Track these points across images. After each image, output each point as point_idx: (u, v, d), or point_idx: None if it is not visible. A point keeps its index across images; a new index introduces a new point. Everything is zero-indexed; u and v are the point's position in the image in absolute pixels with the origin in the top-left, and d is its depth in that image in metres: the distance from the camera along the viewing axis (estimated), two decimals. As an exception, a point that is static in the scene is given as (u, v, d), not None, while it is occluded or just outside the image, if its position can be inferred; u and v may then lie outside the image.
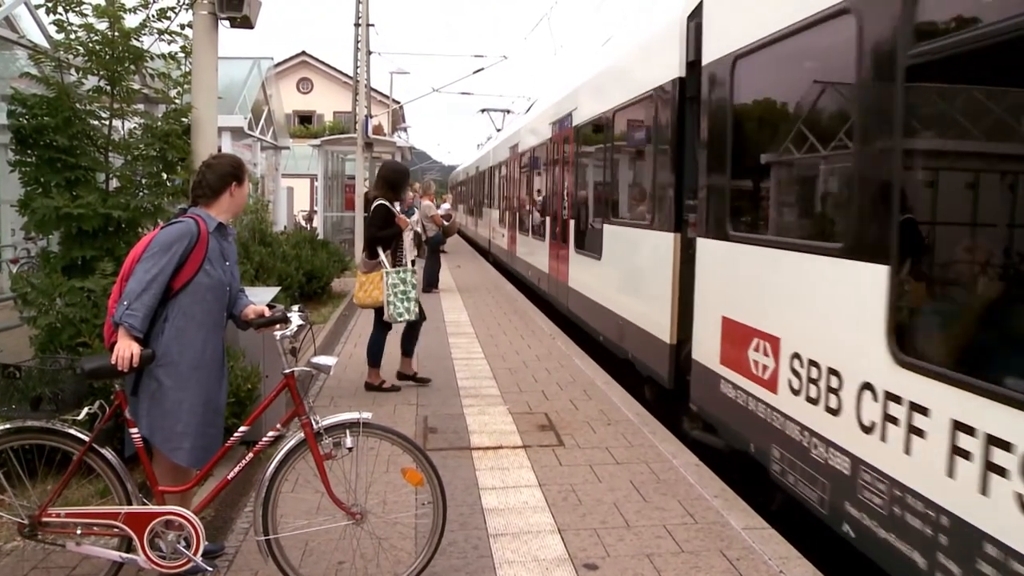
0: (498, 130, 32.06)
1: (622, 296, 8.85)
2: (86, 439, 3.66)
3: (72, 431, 3.68)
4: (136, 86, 6.46)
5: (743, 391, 5.35)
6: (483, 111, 36.05)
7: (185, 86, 6.29)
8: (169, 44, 6.35)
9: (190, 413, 3.81)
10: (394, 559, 4.18)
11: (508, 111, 35.05)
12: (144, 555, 3.66)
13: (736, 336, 5.46)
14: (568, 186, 11.96)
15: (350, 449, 3.80)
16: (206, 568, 3.75)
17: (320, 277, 13.41)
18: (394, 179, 7.85)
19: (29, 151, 5.59)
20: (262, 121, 14.44)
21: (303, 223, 28.23)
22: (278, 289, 6.44)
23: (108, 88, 5.99)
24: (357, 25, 27.71)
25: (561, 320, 13.02)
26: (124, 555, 3.70)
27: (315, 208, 27.73)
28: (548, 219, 13.72)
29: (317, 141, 24.23)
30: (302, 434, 3.79)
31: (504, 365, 9.07)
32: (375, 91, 39.78)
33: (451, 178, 52.00)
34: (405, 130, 49.93)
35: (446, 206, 20.83)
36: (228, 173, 3.95)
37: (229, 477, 3.83)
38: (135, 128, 6.23)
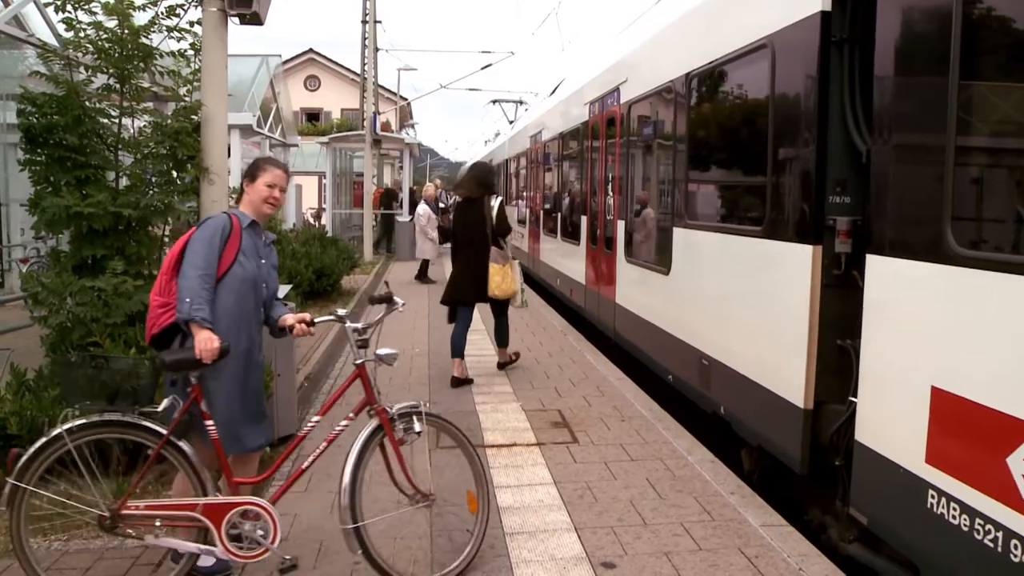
0: (511, 122, 31.82)
1: (709, 327, 7.12)
2: (163, 432, 3.89)
3: (151, 424, 3.91)
4: (146, 84, 6.40)
5: (996, 525, 3.56)
6: (494, 102, 36.07)
7: (195, 83, 6.34)
8: (178, 41, 6.53)
9: (225, 402, 4.11)
10: (459, 543, 4.54)
11: (521, 102, 34.75)
12: (222, 545, 3.90)
13: (973, 425, 3.71)
14: (614, 178, 10.55)
15: (419, 433, 4.19)
16: (284, 557, 3.98)
17: (330, 275, 13.61)
18: (489, 180, 8.97)
19: (39, 150, 5.92)
20: (271, 119, 14.59)
21: (311, 220, 28.21)
22: (289, 287, 6.40)
23: (117, 86, 6.08)
24: (364, 22, 27.69)
25: (571, 315, 12.61)
26: (202, 546, 3.94)
27: (323, 205, 27.75)
28: (585, 219, 12.58)
29: (325, 138, 24.45)
30: (377, 421, 4.15)
31: (517, 363, 8.95)
32: (382, 88, 39.95)
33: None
34: (413, 127, 49.87)
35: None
36: (245, 173, 4.37)
37: (303, 467, 4.14)
38: (145, 126, 6.23)
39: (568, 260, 13.65)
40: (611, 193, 10.77)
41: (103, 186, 6.14)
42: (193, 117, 6.47)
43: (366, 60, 28.39)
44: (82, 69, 6.38)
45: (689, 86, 7.64)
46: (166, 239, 6.70)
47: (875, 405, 4.54)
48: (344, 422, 4.20)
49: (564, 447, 6.40)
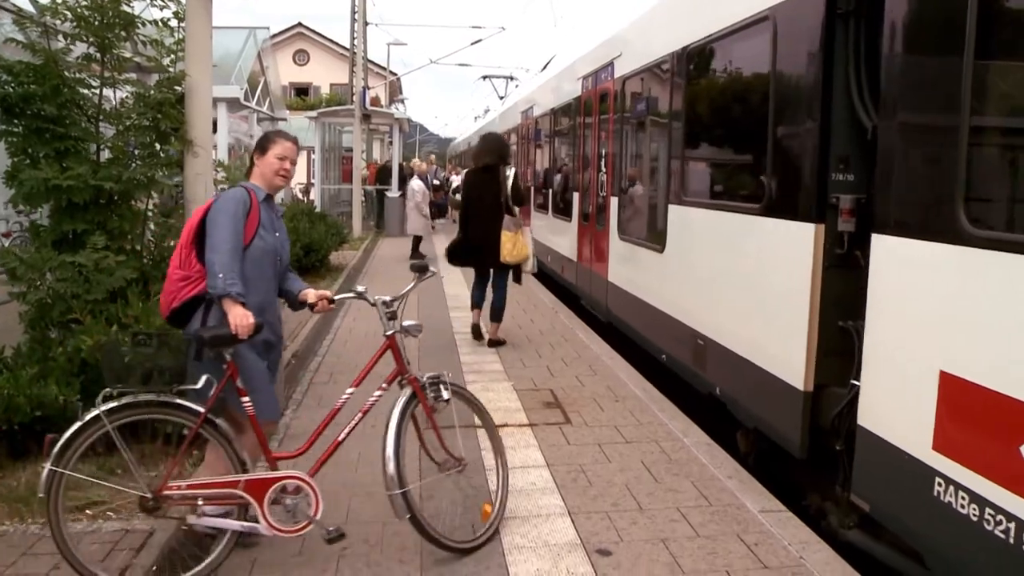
0: (501, 98, 31.60)
1: (704, 306, 7.01)
2: (201, 411, 3.83)
3: (189, 404, 3.85)
4: (128, 54, 6.17)
5: (1008, 515, 3.42)
6: (484, 78, 35.97)
7: (179, 54, 6.11)
8: (162, 10, 6.09)
9: (255, 375, 4.10)
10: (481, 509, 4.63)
11: (512, 77, 34.51)
12: (265, 521, 3.89)
13: (984, 412, 3.58)
14: (607, 154, 10.38)
15: (447, 401, 4.39)
16: (329, 528, 4.01)
17: (318, 250, 13.49)
18: (504, 150, 9.48)
19: (16, 120, 5.74)
20: (258, 92, 14.36)
21: (300, 195, 27.95)
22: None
23: (98, 55, 5.79)
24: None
25: (562, 293, 12.43)
26: (245, 524, 3.92)
27: (312, 181, 27.45)
28: (577, 195, 12.42)
29: (314, 113, 24.12)
30: (410, 390, 4.27)
31: (507, 340, 8.82)
32: (372, 63, 39.56)
33: (449, 149, 51.69)
34: (403, 102, 49.49)
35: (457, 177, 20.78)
36: (255, 146, 4.37)
37: (340, 439, 4.18)
38: (127, 97, 5.97)
39: (559, 237, 13.47)
40: (604, 169, 10.58)
41: (83, 159, 5.92)
42: (177, 88, 6.26)
43: (355, 34, 28.01)
44: (61, 37, 6.16)
45: (686, 60, 7.45)
46: (150, 213, 6.52)
47: (879, 389, 4.39)
48: (377, 392, 4.23)
49: (557, 428, 6.27)
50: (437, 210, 18.61)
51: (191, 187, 6.22)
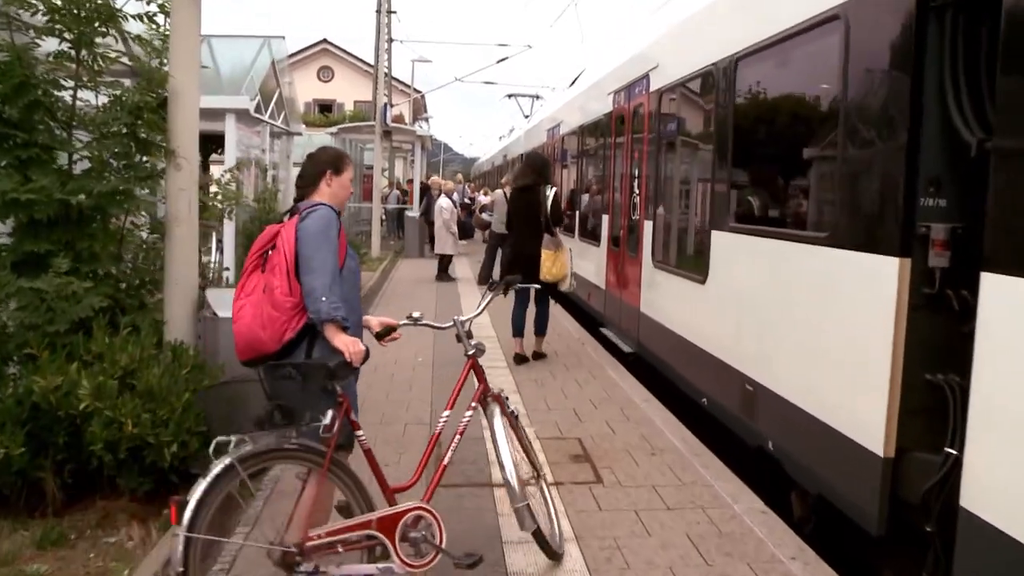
0: (526, 117, 30.91)
1: (754, 347, 6.12)
2: (325, 451, 3.50)
3: (314, 444, 3.50)
4: (112, 54, 5.44)
5: None
6: (510, 96, 35.21)
7: (168, 54, 5.27)
8: (148, 3, 5.32)
9: (355, 403, 3.93)
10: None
11: (537, 96, 33.84)
12: (398, 559, 3.66)
13: None
14: (641, 174, 9.57)
15: (517, 416, 4.47)
16: (468, 554, 3.81)
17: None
18: (545, 169, 9.54)
19: None
20: (272, 105, 13.53)
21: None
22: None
23: (73, 53, 4.99)
24: (379, 12, 26.64)
25: (586, 321, 11.61)
26: (380, 566, 3.68)
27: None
28: (607, 218, 11.57)
29: (334, 129, 23.38)
30: (498, 406, 4.29)
31: (530, 375, 8.34)
32: (396, 80, 39.07)
33: (474, 169, 51.06)
34: (427, 120, 48.96)
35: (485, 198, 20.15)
36: (324, 161, 4.06)
37: (445, 463, 4.06)
38: (108, 101, 5.22)
39: (586, 262, 12.52)
40: (637, 190, 9.70)
41: (50, 169, 5.18)
42: (158, 91, 5.52)
43: (379, 49, 27.42)
44: (32, 31, 5.44)
45: (734, 70, 6.64)
46: (126, 231, 5.78)
47: (993, 463, 3.50)
48: (468, 413, 4.17)
49: (587, 488, 5.39)
50: (462, 231, 18.02)
51: (173, 203, 5.47)
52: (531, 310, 9.40)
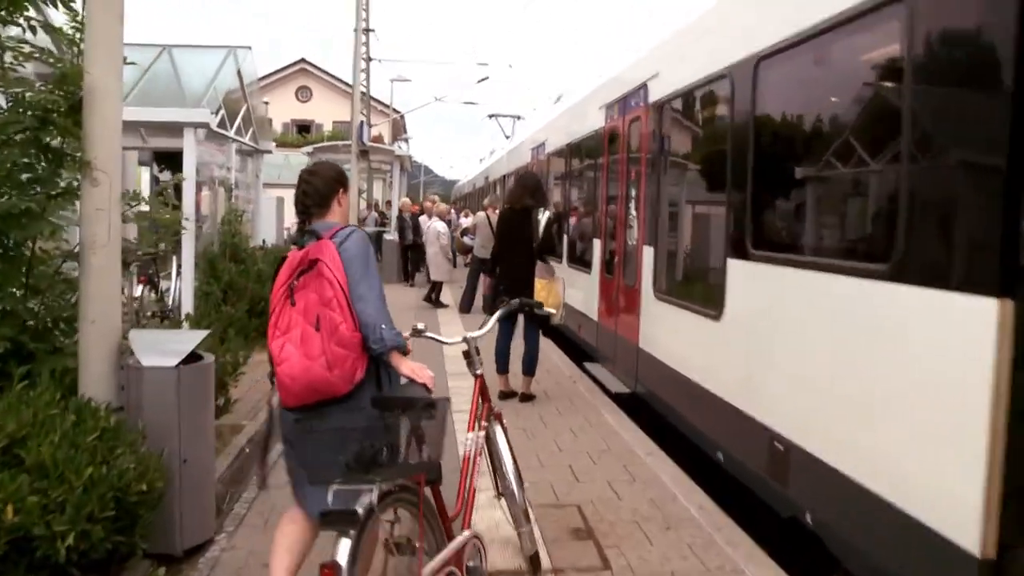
0: (507, 137, 30.08)
1: (786, 398, 5.17)
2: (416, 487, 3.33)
3: (410, 483, 3.27)
4: (27, 49, 4.47)
5: None
6: (491, 116, 34.30)
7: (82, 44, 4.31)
8: None
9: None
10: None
11: (519, 117, 33.12)
12: None
13: None
14: (639, 194, 8.68)
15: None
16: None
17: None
18: (539, 190, 8.72)
19: None
20: (239, 120, 12.54)
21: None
22: (205, 333, 4.43)
23: None
24: (356, 30, 25.78)
25: (576, 354, 10.66)
26: None
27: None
28: (599, 243, 10.68)
29: (309, 148, 22.40)
30: (499, 425, 4.34)
31: (518, 422, 7.35)
32: (375, 100, 38.17)
33: (454, 191, 50.13)
34: (406, 141, 48.11)
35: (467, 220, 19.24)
36: (333, 179, 3.82)
37: (475, 485, 3.98)
38: (8, 103, 4.26)
39: (576, 290, 11.50)
40: (634, 212, 8.77)
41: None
42: (70, 89, 4.53)
43: (358, 67, 26.54)
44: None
45: (755, 72, 5.75)
46: (35, 259, 4.78)
47: None
48: (482, 433, 4.13)
49: (592, 578, 4.45)
50: (463, 251, 17.47)
51: (89, 226, 4.46)
52: (516, 344, 8.52)
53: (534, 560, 4.35)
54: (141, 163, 17.93)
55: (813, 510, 4.74)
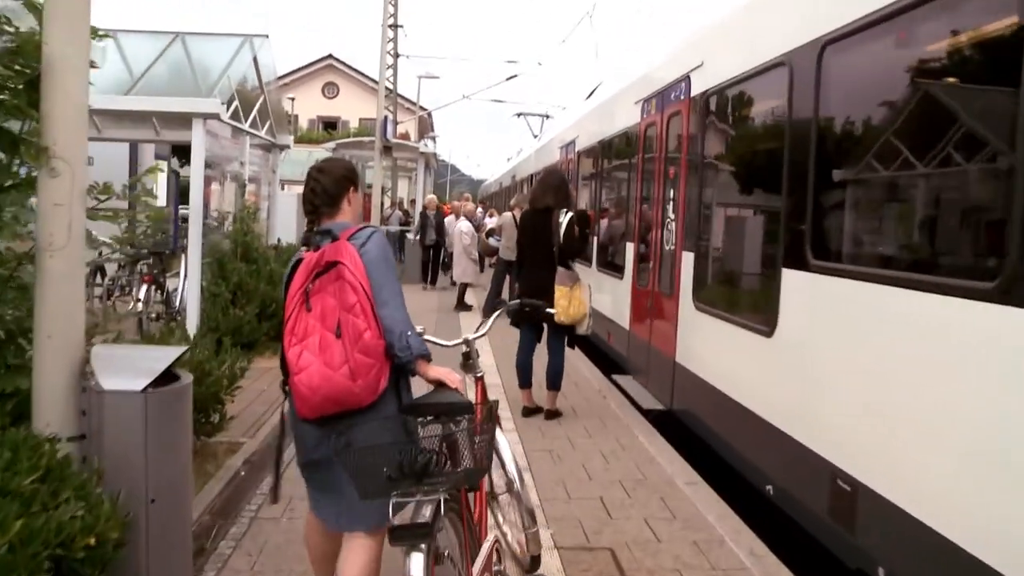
0: (535, 136, 29.44)
1: (854, 431, 4.49)
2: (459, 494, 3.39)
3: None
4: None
5: None
6: (519, 115, 33.72)
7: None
8: None
9: None
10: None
11: (547, 116, 32.50)
12: None
13: None
14: (678, 195, 7.92)
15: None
16: None
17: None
18: (564, 188, 8.00)
19: None
20: (254, 112, 11.90)
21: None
22: (181, 350, 3.77)
23: None
24: (389, 27, 25.17)
25: (608, 365, 9.97)
26: None
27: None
28: (631, 247, 9.92)
29: (332, 144, 21.79)
30: (496, 423, 3.81)
31: (543, 443, 6.75)
32: (402, 97, 37.55)
33: (481, 190, 49.54)
34: (433, 139, 47.53)
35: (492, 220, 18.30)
36: (343, 177, 3.63)
37: (487, 489, 4.00)
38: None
39: (606, 295, 10.76)
40: (672, 215, 8.00)
41: None
42: (26, 64, 3.89)
43: (384, 62, 25.93)
44: None
45: (821, 59, 5.03)
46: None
47: None
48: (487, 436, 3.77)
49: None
50: (488, 254, 16.67)
51: (46, 224, 3.81)
52: (539, 353, 7.89)
53: (535, 561, 4.29)
54: (158, 156, 17.50)
55: (889, 566, 4.03)
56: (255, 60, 11.70)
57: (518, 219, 15.04)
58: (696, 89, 7.39)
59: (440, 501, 2.92)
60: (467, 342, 4.03)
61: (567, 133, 16.02)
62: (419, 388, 3.41)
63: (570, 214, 7.82)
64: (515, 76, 33.61)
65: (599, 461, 6.54)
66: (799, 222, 5.20)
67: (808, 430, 4.97)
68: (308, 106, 47.73)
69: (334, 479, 3.34)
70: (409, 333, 3.31)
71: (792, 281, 5.29)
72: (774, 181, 5.63)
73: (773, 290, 5.52)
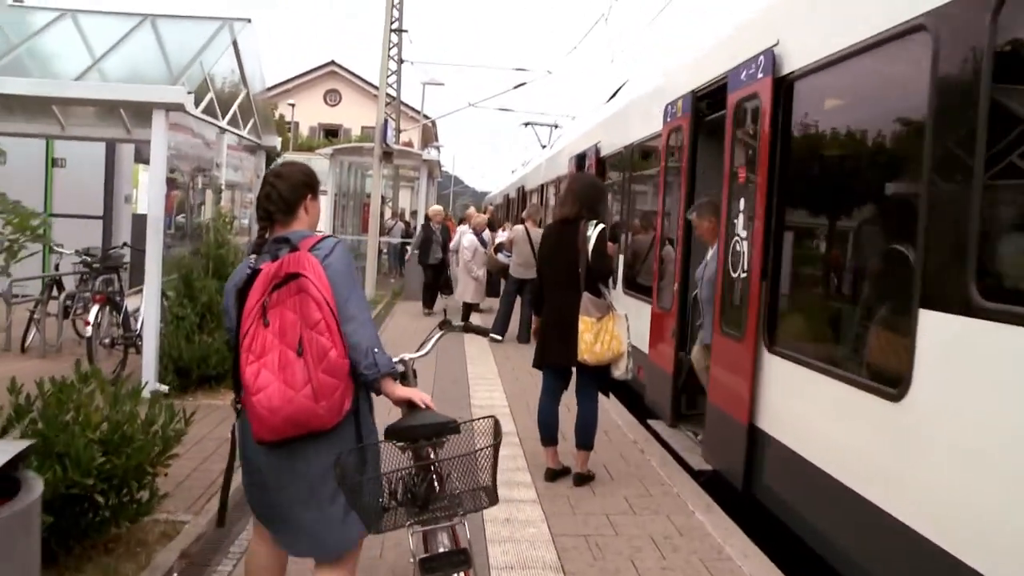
0: (544, 146, 27.97)
1: None
2: None
3: None
4: None
5: None
6: (527, 124, 32.45)
7: None
8: None
9: None
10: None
11: (556, 125, 31.21)
12: None
13: None
14: (751, 208, 5.90)
15: None
16: None
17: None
18: (595, 197, 6.52)
19: None
20: (235, 107, 10.37)
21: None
22: (24, 446, 2.16)
23: None
24: (393, 31, 23.69)
25: (633, 404, 8.41)
26: None
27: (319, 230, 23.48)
28: (672, 271, 8.07)
29: (328, 150, 20.25)
30: None
31: (574, 525, 5.68)
32: (405, 105, 36.15)
33: (485, 202, 48.12)
34: (437, 149, 46.16)
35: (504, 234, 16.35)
36: (301, 183, 3.47)
37: None
38: None
39: (640, 324, 8.48)
40: (742, 234, 6.13)
41: None
42: None
43: (386, 66, 24.44)
44: None
45: (1000, 10, 3.47)
46: None
47: None
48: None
49: None
50: (497, 272, 14.76)
51: None
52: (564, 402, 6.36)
53: None
54: (139, 159, 15.98)
55: None
56: (235, 46, 10.15)
57: (533, 233, 13.53)
58: (787, 67, 5.58)
59: (464, 524, 3.04)
60: (403, 361, 3.63)
61: (582, 141, 14.42)
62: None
63: (600, 226, 6.26)
64: (523, 84, 32.26)
65: (651, 554, 4.90)
66: (953, 245, 3.62)
67: (970, 544, 3.39)
68: (309, 113, 46.52)
69: (288, 503, 3.21)
70: (376, 350, 3.17)
71: (935, 326, 3.69)
72: (909, 188, 4.04)
73: (903, 337, 3.93)
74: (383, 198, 25.51)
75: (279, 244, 3.27)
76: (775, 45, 5.71)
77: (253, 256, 3.30)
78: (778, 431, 5.46)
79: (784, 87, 5.52)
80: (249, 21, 10.47)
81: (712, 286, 6.72)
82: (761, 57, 5.79)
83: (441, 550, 2.95)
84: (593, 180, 7.56)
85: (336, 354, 3.07)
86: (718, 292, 6.50)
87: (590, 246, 6.11)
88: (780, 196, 5.55)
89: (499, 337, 13.32)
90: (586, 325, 6.09)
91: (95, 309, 8.85)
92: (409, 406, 3.25)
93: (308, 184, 3.45)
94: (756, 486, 5.73)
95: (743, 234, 5.97)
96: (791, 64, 5.47)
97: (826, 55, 4.96)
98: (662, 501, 5.97)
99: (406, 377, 3.63)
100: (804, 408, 5.18)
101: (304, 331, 3.06)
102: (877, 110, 4.69)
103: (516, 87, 33.58)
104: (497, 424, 3.13)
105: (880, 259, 4.56)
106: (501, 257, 14.26)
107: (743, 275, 5.92)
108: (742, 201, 6.04)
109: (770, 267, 5.60)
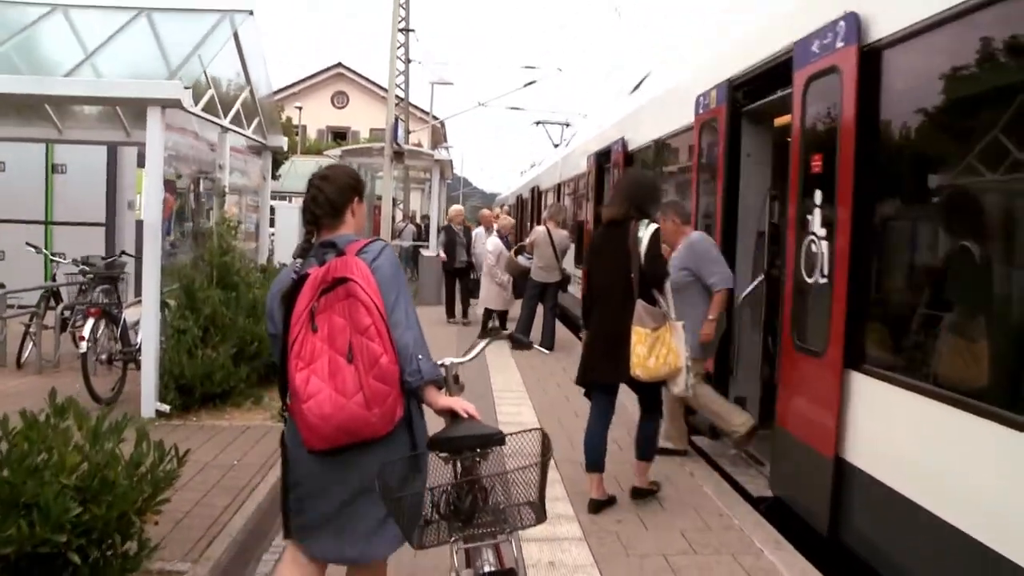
0: (555, 146, 27.35)
1: None
2: None
3: None
4: None
5: None
6: (538, 123, 31.95)
7: None
8: None
9: None
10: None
11: (567, 124, 30.77)
12: None
13: None
14: (832, 203, 5.02)
15: None
16: None
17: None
18: (648, 197, 5.86)
19: None
20: (237, 105, 9.71)
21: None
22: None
23: None
24: (400, 31, 23.09)
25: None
26: None
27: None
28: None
29: (337, 151, 19.60)
30: None
31: (627, 568, 4.74)
32: (414, 106, 35.56)
33: (495, 204, 47.48)
34: (447, 150, 45.71)
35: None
36: (348, 186, 3.41)
37: None
38: None
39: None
40: (819, 233, 5.22)
41: None
42: None
43: (394, 65, 23.78)
44: None
45: None
46: None
47: None
48: None
49: None
50: (520, 276, 13.70)
51: None
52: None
53: None
54: (142, 166, 15.36)
55: None
56: (236, 39, 9.46)
57: (554, 235, 12.81)
58: (876, 34, 4.70)
59: (512, 541, 2.92)
60: (444, 366, 3.44)
61: (603, 136, 13.67)
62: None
63: (653, 227, 5.62)
64: (534, 82, 31.76)
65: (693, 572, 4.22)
66: None
67: None
68: (317, 116, 46.11)
69: (335, 510, 3.12)
70: (420, 356, 3.07)
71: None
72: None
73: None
74: (394, 200, 24.84)
75: (325, 248, 3.21)
76: (854, 9, 4.95)
77: (299, 260, 3.26)
78: (861, 461, 4.68)
79: (872, 58, 4.75)
80: (251, 13, 9.75)
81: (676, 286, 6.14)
82: (842, 23, 4.97)
83: (487, 569, 2.82)
84: (643, 177, 6.94)
85: (387, 360, 3.01)
86: (788, 301, 5.75)
87: (642, 248, 5.48)
88: (871, 187, 4.75)
89: (546, 351, 12.65)
90: (639, 336, 5.49)
91: (90, 323, 8.17)
92: (452, 416, 3.13)
93: (354, 187, 3.40)
94: (844, 529, 4.87)
95: (821, 232, 5.17)
96: (880, 30, 4.69)
97: (929, 15, 4.18)
98: (724, 537, 5.22)
99: (447, 382, 3.45)
100: (889, 431, 4.42)
101: (354, 336, 3.02)
102: (991, 82, 3.92)
103: (527, 84, 33.15)
104: (546, 437, 2.97)
105: (1002, 261, 3.81)
106: (522, 260, 13.52)
107: (822, 280, 5.12)
108: (818, 195, 5.24)
109: (860, 271, 4.80)
